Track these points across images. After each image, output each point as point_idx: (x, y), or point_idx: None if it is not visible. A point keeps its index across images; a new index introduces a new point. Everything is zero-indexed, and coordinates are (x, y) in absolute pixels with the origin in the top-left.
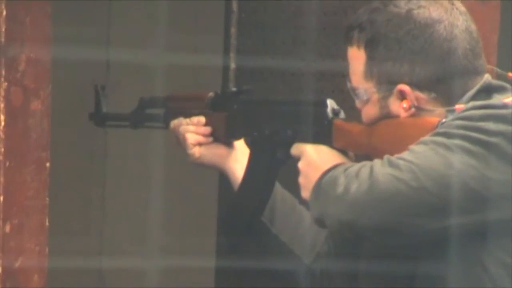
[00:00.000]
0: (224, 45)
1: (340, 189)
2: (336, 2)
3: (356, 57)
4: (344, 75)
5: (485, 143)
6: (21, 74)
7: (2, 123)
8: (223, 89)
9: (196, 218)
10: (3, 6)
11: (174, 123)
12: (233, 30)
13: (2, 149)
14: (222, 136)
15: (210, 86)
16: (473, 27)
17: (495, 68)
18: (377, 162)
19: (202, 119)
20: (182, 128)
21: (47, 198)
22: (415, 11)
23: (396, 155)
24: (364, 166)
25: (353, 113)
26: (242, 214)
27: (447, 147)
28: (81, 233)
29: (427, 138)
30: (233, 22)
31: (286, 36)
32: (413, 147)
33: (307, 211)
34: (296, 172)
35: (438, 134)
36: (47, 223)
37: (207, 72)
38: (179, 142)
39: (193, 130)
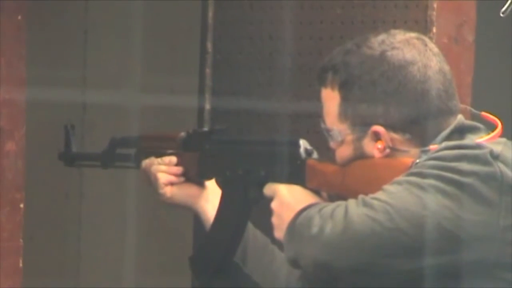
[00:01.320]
0: (199, 86)
1: (315, 229)
2: (311, 43)
3: (330, 98)
4: (319, 116)
5: (459, 183)
6: None
7: None
8: (195, 129)
9: (171, 258)
10: None
11: (145, 162)
12: (208, 71)
13: None
14: (194, 176)
15: (185, 126)
16: (446, 67)
17: (469, 108)
18: (351, 202)
19: (173, 159)
20: (154, 168)
21: (21, 240)
22: (389, 53)
23: (371, 195)
24: (338, 206)
25: (329, 154)
26: (214, 254)
27: (421, 187)
28: (57, 274)
29: (401, 178)
30: (208, 63)
31: (261, 76)
32: (387, 187)
33: (280, 250)
34: (268, 212)
35: (412, 174)
36: (21, 265)
37: (182, 113)
38: (150, 181)
39: (164, 169)
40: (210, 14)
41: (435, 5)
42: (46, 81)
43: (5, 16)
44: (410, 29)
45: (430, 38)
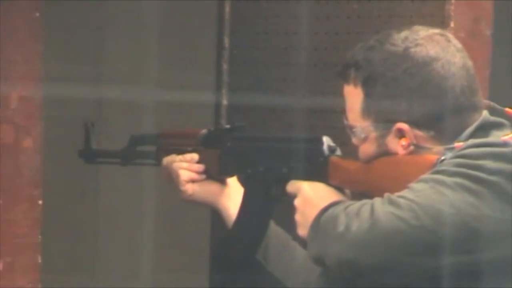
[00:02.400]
0: (216, 82)
1: (341, 227)
2: (327, 38)
3: (353, 95)
4: (335, 111)
5: (485, 181)
6: (13, 112)
7: None
8: (216, 126)
9: (188, 254)
10: None
11: (167, 159)
12: (224, 66)
13: None
14: (215, 173)
15: (201, 123)
16: (469, 63)
17: (492, 104)
18: (377, 201)
19: (195, 156)
20: (175, 165)
21: (39, 236)
22: (412, 49)
23: (397, 193)
24: (364, 205)
25: (345, 150)
26: (236, 251)
27: (446, 185)
28: (74, 271)
29: (427, 176)
30: (225, 58)
31: (277, 72)
32: (413, 185)
33: (301, 248)
34: (290, 209)
35: (437, 172)
36: (39, 261)
37: (198, 109)
38: (171, 179)
39: (186, 167)
40: (227, 9)
41: (452, 0)
42: (63, 77)
43: (22, 13)
44: (427, 24)
45: None
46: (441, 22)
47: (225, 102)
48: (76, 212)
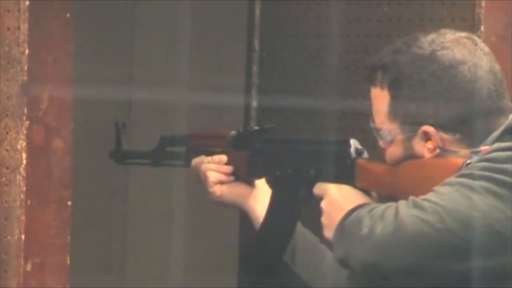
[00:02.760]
0: (246, 84)
1: (365, 230)
2: (358, 40)
3: (380, 98)
4: (365, 114)
5: (510, 185)
6: (43, 113)
7: (24, 162)
8: (245, 128)
9: (217, 256)
10: (25, 45)
11: (195, 161)
12: (254, 68)
13: (24, 188)
14: (244, 175)
15: (231, 124)
16: (497, 67)
17: None
18: (402, 203)
19: (224, 157)
20: (204, 166)
21: (69, 237)
22: (439, 52)
23: (421, 196)
24: (389, 207)
25: (374, 152)
26: (264, 253)
27: (472, 188)
28: (103, 271)
29: (452, 179)
30: (255, 60)
31: (307, 74)
32: (438, 188)
33: (329, 250)
34: (317, 211)
35: (463, 175)
36: (68, 262)
37: (228, 110)
38: (199, 180)
39: (214, 168)
40: (257, 11)
41: (483, 3)
42: (93, 78)
43: (53, 14)
44: (457, 27)
45: (478, 37)
46: (471, 25)
47: (254, 104)
48: (106, 212)
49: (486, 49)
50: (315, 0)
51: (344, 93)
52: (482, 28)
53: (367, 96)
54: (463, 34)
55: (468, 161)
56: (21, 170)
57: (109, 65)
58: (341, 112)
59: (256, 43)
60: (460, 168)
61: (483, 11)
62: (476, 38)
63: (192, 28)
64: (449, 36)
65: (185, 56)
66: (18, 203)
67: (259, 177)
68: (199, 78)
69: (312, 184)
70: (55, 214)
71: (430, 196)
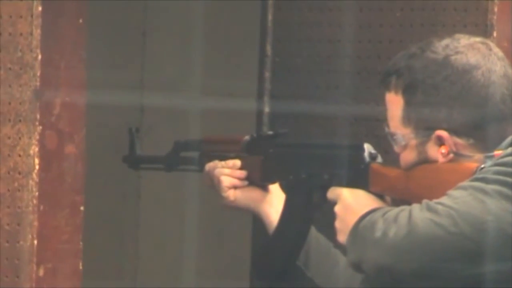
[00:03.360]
0: (258, 89)
1: (378, 233)
2: (370, 46)
3: (394, 103)
4: (378, 119)
5: None
6: (56, 118)
7: (37, 167)
8: (259, 133)
9: (230, 260)
10: (38, 51)
11: (209, 165)
12: (267, 74)
13: (37, 193)
14: (258, 180)
15: (244, 130)
16: (510, 72)
17: None
18: (415, 207)
19: (237, 162)
20: (217, 171)
21: (81, 242)
22: (453, 57)
23: (435, 200)
24: (402, 211)
25: (387, 157)
26: (277, 258)
27: (485, 192)
28: (115, 277)
29: (465, 183)
30: (267, 66)
31: (320, 80)
32: (451, 192)
33: (342, 255)
34: (331, 216)
35: (476, 179)
36: (80, 267)
37: (241, 116)
38: (213, 185)
39: (228, 173)
40: (269, 16)
41: (495, 8)
42: (105, 83)
43: (66, 19)
44: (469, 33)
45: None
46: (483, 31)
47: (267, 109)
48: (118, 218)
49: (500, 54)
50: (327, 5)
51: (356, 98)
52: (495, 34)
53: (380, 102)
54: (477, 39)
55: (482, 166)
56: (34, 175)
57: (121, 70)
58: (354, 117)
59: (268, 49)
60: (474, 173)
61: (495, 17)
62: (490, 43)
63: (204, 33)
64: (463, 41)
65: (197, 61)
66: (30, 208)
67: (273, 182)
68: (211, 83)
69: (326, 188)
70: (68, 220)
71: (443, 199)
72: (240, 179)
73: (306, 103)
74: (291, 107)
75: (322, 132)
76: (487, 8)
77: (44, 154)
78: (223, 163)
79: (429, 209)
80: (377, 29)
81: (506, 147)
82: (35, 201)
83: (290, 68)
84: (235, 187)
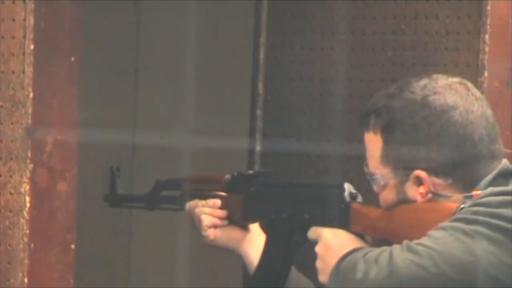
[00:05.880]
0: (250, 128)
1: (359, 274)
2: (362, 85)
3: (373, 142)
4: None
5: (505, 229)
6: (47, 156)
7: (28, 205)
8: (239, 172)
9: None
10: (30, 89)
11: (190, 204)
12: (259, 112)
13: (27, 231)
14: (238, 219)
15: (235, 168)
16: (489, 112)
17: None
18: (396, 248)
19: (217, 201)
20: (198, 210)
21: (72, 280)
22: (431, 97)
23: (415, 241)
24: (383, 252)
25: (374, 196)
26: None
27: (466, 233)
28: None
29: (446, 223)
30: (259, 104)
31: (311, 118)
32: (432, 232)
33: None
34: (312, 256)
35: (457, 220)
36: None
37: (233, 154)
38: (194, 223)
39: (208, 212)
40: (261, 55)
41: (486, 49)
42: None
43: (59, 57)
44: (461, 73)
45: (481, 82)
46: (475, 71)
47: (258, 148)
48: (109, 255)
49: (478, 94)
50: (319, 44)
51: (348, 137)
52: (486, 74)
53: (361, 140)
54: (455, 79)
55: (462, 206)
56: (25, 213)
57: (113, 108)
58: (345, 156)
59: (260, 87)
60: (454, 213)
61: (486, 57)
62: (468, 83)
63: (196, 72)
64: (441, 81)
65: (189, 99)
66: (21, 246)
67: (254, 221)
68: (203, 121)
69: (306, 228)
70: (59, 258)
71: (424, 240)
72: (220, 218)
73: (298, 142)
74: (283, 145)
75: (314, 170)
76: (479, 48)
77: (36, 192)
78: (203, 202)
79: (410, 250)
80: (369, 68)
81: (485, 187)
82: (26, 239)
83: (282, 106)
84: (215, 226)
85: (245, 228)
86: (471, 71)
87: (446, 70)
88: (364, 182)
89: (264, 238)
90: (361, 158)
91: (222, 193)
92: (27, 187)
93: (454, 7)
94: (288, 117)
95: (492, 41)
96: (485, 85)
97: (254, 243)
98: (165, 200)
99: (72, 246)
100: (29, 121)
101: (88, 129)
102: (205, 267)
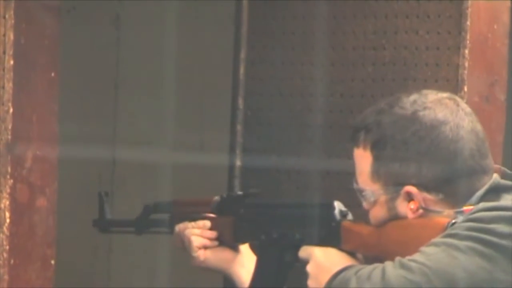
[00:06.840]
0: (230, 143)
1: None
2: (342, 100)
3: (363, 158)
4: (350, 173)
5: (497, 245)
6: (27, 171)
7: (7, 220)
8: (229, 193)
9: None
10: (10, 104)
11: (179, 226)
12: (239, 127)
13: (7, 247)
14: (228, 240)
15: (216, 184)
16: (479, 127)
17: (502, 168)
18: (388, 264)
19: (207, 222)
20: (188, 231)
21: None
22: (421, 113)
23: (408, 257)
24: (375, 268)
25: (360, 212)
26: None
27: (458, 249)
28: None
29: (438, 239)
30: (239, 119)
31: (292, 133)
32: (424, 248)
33: None
34: (304, 275)
35: (449, 235)
36: None
37: (213, 169)
38: (184, 245)
39: (198, 233)
40: (242, 70)
41: (466, 64)
42: (77, 136)
43: (38, 73)
44: (441, 87)
45: (461, 97)
46: (455, 86)
47: (238, 163)
48: (89, 271)
49: (468, 109)
50: (299, 60)
51: (328, 152)
52: (465, 89)
53: (351, 156)
54: (445, 94)
55: (453, 221)
56: (4, 229)
57: (93, 123)
58: (326, 171)
59: (240, 102)
60: (446, 228)
61: (466, 72)
62: (458, 98)
63: (176, 87)
64: (431, 96)
65: (169, 114)
66: (1, 262)
67: (244, 242)
68: (183, 137)
69: (297, 248)
70: (39, 273)
71: (416, 256)
72: (210, 239)
73: (278, 157)
74: (263, 160)
75: (294, 186)
76: (458, 64)
77: (15, 208)
78: (193, 223)
79: (402, 266)
80: (349, 83)
81: (476, 202)
82: (5, 255)
83: (262, 121)
84: (205, 247)
85: (235, 249)
86: (450, 86)
87: (426, 85)
88: (345, 197)
89: (255, 259)
90: (342, 174)
91: (212, 215)
92: (7, 202)
93: (434, 23)
94: (268, 132)
95: (471, 56)
96: (464, 100)
97: (244, 264)
98: (154, 223)
99: (52, 262)
100: (9, 137)
101: (68, 144)
102: (185, 284)
